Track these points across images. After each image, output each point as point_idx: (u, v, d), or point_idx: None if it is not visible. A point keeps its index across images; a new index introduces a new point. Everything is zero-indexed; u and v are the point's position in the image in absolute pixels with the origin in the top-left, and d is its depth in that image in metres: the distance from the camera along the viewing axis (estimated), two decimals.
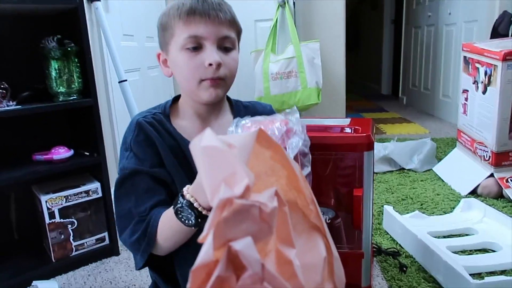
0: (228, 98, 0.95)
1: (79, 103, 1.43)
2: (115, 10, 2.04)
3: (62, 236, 1.43)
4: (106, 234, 1.54)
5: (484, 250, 1.40)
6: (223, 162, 0.34)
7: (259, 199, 0.32)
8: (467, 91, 2.06)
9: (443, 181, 2.10)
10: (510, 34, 2.26)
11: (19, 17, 1.47)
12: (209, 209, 0.66)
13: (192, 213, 0.66)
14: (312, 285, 0.37)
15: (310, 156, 0.71)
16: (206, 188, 0.34)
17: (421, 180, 2.12)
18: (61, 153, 1.41)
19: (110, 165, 1.59)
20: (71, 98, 1.42)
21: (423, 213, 1.67)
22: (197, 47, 0.78)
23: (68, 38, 1.41)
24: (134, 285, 1.36)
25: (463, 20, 3.24)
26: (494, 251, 1.38)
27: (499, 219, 1.50)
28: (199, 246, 0.80)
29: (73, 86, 1.41)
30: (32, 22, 1.48)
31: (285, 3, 2.72)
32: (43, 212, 1.39)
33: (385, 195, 1.95)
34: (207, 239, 0.29)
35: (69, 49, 1.38)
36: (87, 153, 1.49)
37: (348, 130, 1.17)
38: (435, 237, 1.44)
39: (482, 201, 1.73)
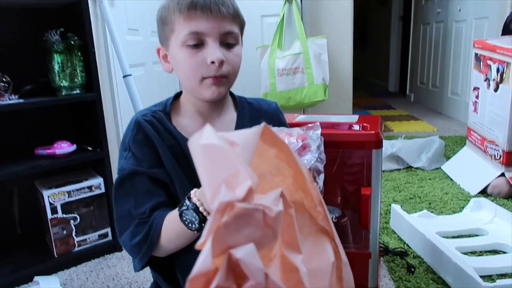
0: (232, 94, 0.91)
1: (82, 97, 1.41)
2: (120, 4, 2.01)
3: (65, 232, 1.42)
4: (109, 230, 1.52)
5: (495, 252, 1.37)
6: (224, 162, 0.31)
7: (263, 202, 0.30)
8: (478, 88, 2.01)
9: (451, 180, 2.06)
10: None
11: (22, 10, 1.45)
12: None
13: (197, 217, 0.65)
14: None
15: (323, 175, 0.68)
16: (206, 190, 0.31)
17: (429, 179, 2.08)
18: (64, 148, 1.39)
19: (113, 160, 1.57)
20: (74, 92, 1.40)
21: (432, 212, 1.63)
22: (198, 44, 0.75)
23: (72, 31, 1.38)
24: (137, 281, 1.34)
25: (474, 17, 3.18)
26: (504, 252, 1.34)
27: (510, 219, 1.46)
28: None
29: (76, 80, 1.39)
30: (35, 15, 1.46)
31: None
32: (45, 207, 1.37)
33: (392, 194, 1.91)
34: (205, 246, 0.27)
35: (72, 42, 1.36)
36: (90, 148, 1.47)
37: (356, 127, 1.14)
38: (444, 237, 1.41)
39: (492, 200, 1.69)
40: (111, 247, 1.52)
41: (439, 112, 3.82)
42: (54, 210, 1.38)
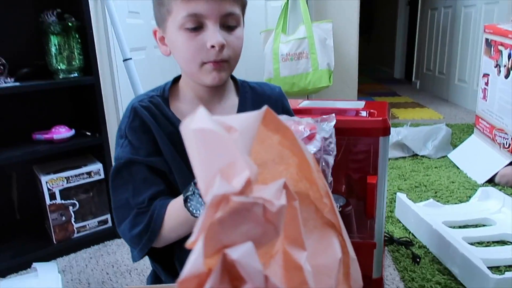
0: (233, 78, 0.87)
1: (80, 81, 1.37)
2: None
3: (64, 218, 1.40)
4: (108, 216, 1.50)
5: (503, 242, 1.33)
6: (219, 149, 0.27)
7: (264, 195, 0.26)
8: (488, 75, 1.95)
9: (458, 168, 2.02)
10: None
11: None
12: None
13: (202, 202, 0.63)
14: None
15: (331, 170, 0.64)
16: (199, 182, 0.28)
17: (435, 167, 2.04)
18: (62, 132, 1.36)
19: (113, 146, 1.53)
20: (72, 75, 1.36)
21: (438, 201, 1.60)
22: (197, 27, 0.70)
23: (69, 12, 1.34)
24: (136, 269, 1.32)
25: (483, 1, 3.10)
26: None
27: None
28: None
29: (74, 63, 1.35)
30: None
31: None
32: (43, 193, 1.35)
33: (397, 182, 1.88)
34: (196, 244, 0.23)
35: (69, 24, 1.32)
36: (89, 133, 1.44)
37: (363, 113, 1.10)
38: (450, 227, 1.38)
39: (500, 190, 1.65)
40: (111, 234, 1.50)
41: (445, 99, 3.75)
42: (52, 196, 1.36)
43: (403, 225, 1.49)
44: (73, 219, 1.41)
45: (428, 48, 4.15)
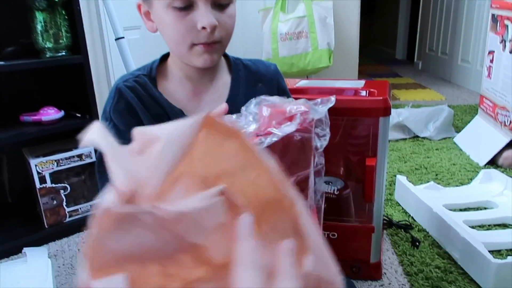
0: (226, 55, 0.82)
1: (68, 60, 1.31)
2: None
3: (55, 202, 1.36)
4: None
5: (504, 225, 1.30)
6: (109, 165, 0.26)
7: (189, 203, 0.24)
8: (493, 52, 1.89)
9: (460, 150, 1.98)
10: None
11: None
12: None
13: None
14: None
15: (320, 154, 0.60)
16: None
17: (436, 149, 2.00)
18: (51, 114, 1.31)
19: None
20: (59, 54, 1.30)
21: (438, 184, 1.56)
22: (187, 6, 0.65)
23: None
24: None
25: None
26: None
27: None
28: None
29: (61, 41, 1.29)
30: None
31: None
32: (33, 176, 1.31)
33: (397, 164, 1.84)
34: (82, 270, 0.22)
35: None
36: (79, 115, 1.39)
37: (362, 93, 1.05)
38: (451, 210, 1.34)
39: (502, 172, 1.61)
40: None
41: (447, 80, 3.68)
42: (42, 180, 1.32)
43: (402, 208, 1.46)
44: (64, 203, 1.38)
45: (431, 27, 4.05)
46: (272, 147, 0.52)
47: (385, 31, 5.79)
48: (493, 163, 1.77)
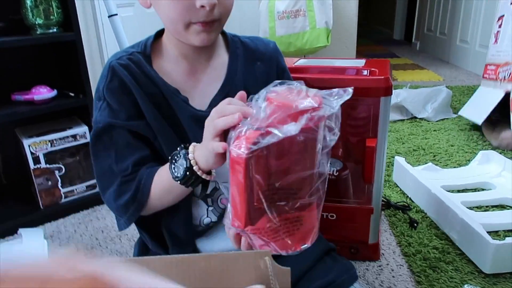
0: (223, 32, 0.79)
1: (59, 37, 1.27)
2: None
3: (50, 183, 1.34)
4: (95, 179, 1.44)
5: (502, 207, 1.30)
6: None
7: None
8: (503, 16, 1.89)
9: (458, 131, 1.97)
10: None
11: None
12: (206, 172, 0.61)
13: (184, 162, 0.60)
14: None
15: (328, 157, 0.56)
16: None
17: (434, 130, 1.99)
18: (43, 93, 1.28)
19: None
20: (50, 31, 1.26)
21: (436, 165, 1.55)
22: None
23: None
24: (126, 234, 1.29)
25: None
26: None
27: None
28: (188, 209, 0.70)
29: (52, 17, 1.25)
30: None
31: None
32: (27, 157, 1.28)
33: (395, 145, 1.83)
34: None
35: None
36: (72, 94, 1.36)
37: (364, 72, 1.02)
38: (449, 191, 1.34)
39: (500, 153, 1.61)
40: (100, 199, 1.44)
41: (445, 61, 3.66)
42: (36, 160, 1.30)
43: (400, 190, 1.46)
44: (59, 184, 1.36)
45: (430, 7, 3.99)
46: (270, 146, 0.49)
47: (382, 10, 5.71)
48: (495, 148, 1.77)
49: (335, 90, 0.55)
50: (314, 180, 0.55)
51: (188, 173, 0.60)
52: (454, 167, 1.58)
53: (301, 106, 0.50)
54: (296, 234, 0.56)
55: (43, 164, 1.31)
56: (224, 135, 0.56)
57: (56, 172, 1.35)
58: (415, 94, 2.16)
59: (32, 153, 1.28)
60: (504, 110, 1.75)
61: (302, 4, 2.44)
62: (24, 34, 1.25)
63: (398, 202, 1.35)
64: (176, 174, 0.61)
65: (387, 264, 1.10)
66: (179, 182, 0.61)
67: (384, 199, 1.35)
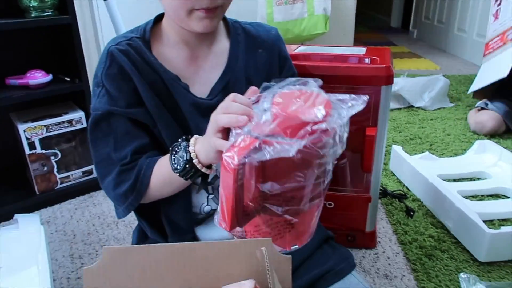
0: (224, 18, 0.77)
1: (55, 20, 1.24)
2: None
3: (45, 168, 1.33)
4: (93, 167, 1.43)
5: (497, 196, 1.32)
6: None
7: None
8: None
9: (454, 120, 1.98)
10: None
11: None
12: (206, 165, 0.60)
13: (185, 155, 0.59)
14: None
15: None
16: None
17: (431, 119, 1.99)
18: (38, 77, 1.26)
19: None
20: (45, 14, 1.23)
21: (433, 154, 1.56)
22: None
23: None
24: (123, 220, 1.29)
25: None
26: (507, 197, 1.29)
27: None
28: (188, 196, 0.70)
29: (46, 0, 1.22)
30: None
31: None
32: (22, 142, 1.27)
33: (392, 134, 1.83)
34: None
35: None
36: (68, 79, 1.33)
37: (366, 60, 1.01)
38: (445, 180, 1.35)
39: (496, 142, 1.61)
40: (96, 185, 1.43)
41: (443, 49, 3.65)
42: (32, 146, 1.28)
43: (397, 178, 1.46)
44: (55, 170, 1.35)
45: None
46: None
47: None
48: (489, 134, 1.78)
49: (350, 96, 0.53)
50: (311, 190, 0.53)
51: (187, 166, 0.59)
52: (451, 156, 1.59)
53: (304, 118, 0.48)
54: (286, 236, 0.55)
55: (38, 150, 1.30)
56: (226, 131, 0.55)
57: (52, 157, 1.33)
58: (412, 82, 2.16)
59: (27, 138, 1.26)
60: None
61: None
62: (18, 17, 1.22)
63: (395, 191, 1.36)
64: (175, 166, 0.61)
65: (383, 252, 1.11)
66: (178, 174, 0.61)
67: (381, 188, 1.35)
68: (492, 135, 1.78)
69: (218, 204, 0.76)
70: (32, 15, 1.22)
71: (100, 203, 1.39)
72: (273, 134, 0.49)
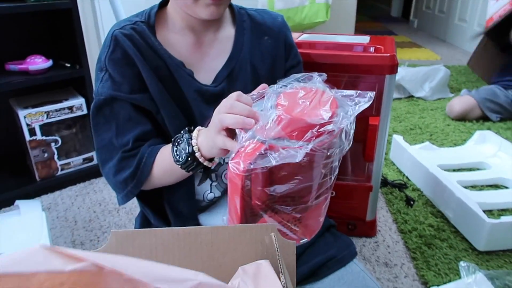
0: (230, 5, 0.76)
1: (54, 4, 1.22)
2: None
3: (46, 155, 1.33)
4: (94, 154, 1.43)
5: (496, 186, 1.33)
6: None
7: None
8: None
9: None
10: None
11: None
12: (208, 159, 0.60)
13: (187, 148, 0.59)
14: None
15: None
16: None
17: (431, 109, 1.99)
18: (38, 63, 1.25)
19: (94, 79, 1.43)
20: None
21: (433, 144, 1.56)
22: None
23: None
24: (125, 207, 1.29)
25: None
26: (506, 187, 1.30)
27: None
28: (191, 184, 0.69)
29: None
30: None
31: None
32: (22, 128, 1.26)
33: (392, 124, 1.83)
34: None
35: None
36: (68, 65, 1.32)
37: (370, 49, 1.01)
38: (445, 170, 1.35)
39: (496, 133, 1.62)
40: (97, 172, 1.44)
41: (443, 39, 3.63)
42: (32, 132, 1.27)
43: (397, 168, 1.47)
44: (56, 156, 1.34)
45: None
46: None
47: None
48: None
49: (356, 92, 0.52)
50: (319, 187, 0.53)
51: (189, 159, 0.59)
52: (451, 147, 1.60)
53: (310, 120, 0.48)
54: (295, 231, 0.56)
55: (39, 136, 1.29)
56: (230, 129, 0.55)
57: (52, 144, 1.33)
58: (413, 72, 2.15)
59: (27, 125, 1.26)
60: None
61: None
62: (18, 1, 1.20)
63: (395, 180, 1.37)
64: (177, 158, 0.61)
65: (383, 241, 1.12)
66: (180, 166, 0.61)
67: (381, 177, 1.36)
68: (461, 119, 1.86)
69: (220, 191, 0.76)
70: (32, 0, 1.20)
71: (101, 190, 1.39)
72: (279, 137, 0.49)
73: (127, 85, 0.66)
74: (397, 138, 1.48)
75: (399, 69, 2.13)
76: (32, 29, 1.39)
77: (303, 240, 0.57)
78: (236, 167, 0.49)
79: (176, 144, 0.61)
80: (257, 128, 0.51)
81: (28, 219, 1.07)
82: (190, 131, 0.61)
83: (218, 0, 0.62)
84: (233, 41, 0.73)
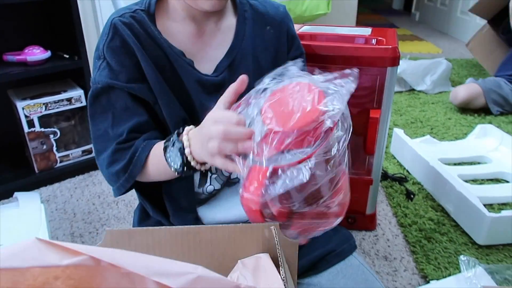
0: None
1: None
2: None
3: (44, 147, 1.32)
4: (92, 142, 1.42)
5: (497, 180, 1.32)
6: None
7: None
8: None
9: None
10: None
11: None
12: (201, 163, 0.58)
13: (181, 158, 0.58)
14: None
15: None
16: None
17: (432, 103, 1.98)
18: (36, 54, 1.23)
19: None
20: None
21: (433, 138, 1.56)
22: None
23: None
24: (124, 200, 1.29)
25: None
26: (507, 181, 1.30)
27: None
28: (190, 177, 0.69)
29: None
30: None
31: None
32: (20, 119, 1.25)
33: (393, 117, 1.82)
34: None
35: None
36: (67, 56, 1.31)
37: (372, 41, 1.00)
38: (446, 164, 1.35)
39: (498, 127, 1.61)
40: (96, 164, 1.44)
41: (445, 33, 3.60)
42: (31, 124, 1.27)
43: (397, 161, 1.46)
44: (54, 148, 1.34)
45: None
46: None
47: None
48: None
49: (339, 73, 0.50)
50: (333, 178, 0.53)
51: (185, 168, 0.59)
52: (451, 140, 1.59)
53: (304, 129, 0.47)
54: (327, 219, 0.56)
55: (37, 128, 1.28)
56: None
57: (51, 136, 1.32)
58: (414, 65, 2.14)
59: (26, 116, 1.25)
60: None
61: None
62: None
63: (395, 174, 1.36)
64: (172, 164, 0.60)
65: (383, 234, 1.12)
66: (176, 173, 0.60)
67: (382, 171, 1.35)
68: (463, 107, 1.87)
69: (220, 184, 0.76)
70: None
71: (100, 183, 1.38)
72: (278, 153, 0.48)
73: (125, 74, 0.65)
74: (398, 132, 1.47)
75: (400, 62, 2.13)
76: (31, 20, 1.38)
77: (338, 220, 0.57)
78: (251, 204, 0.50)
79: (167, 151, 0.60)
80: (253, 153, 0.50)
81: (27, 211, 1.06)
82: (179, 134, 0.59)
83: None
84: (235, 31, 0.72)
